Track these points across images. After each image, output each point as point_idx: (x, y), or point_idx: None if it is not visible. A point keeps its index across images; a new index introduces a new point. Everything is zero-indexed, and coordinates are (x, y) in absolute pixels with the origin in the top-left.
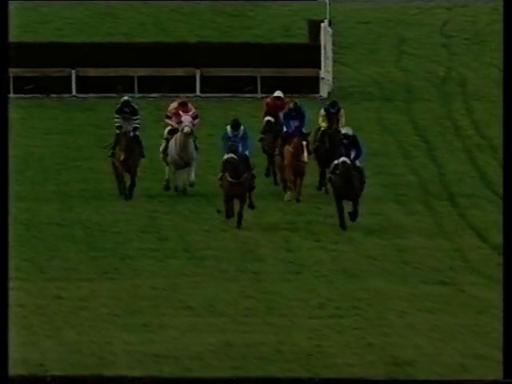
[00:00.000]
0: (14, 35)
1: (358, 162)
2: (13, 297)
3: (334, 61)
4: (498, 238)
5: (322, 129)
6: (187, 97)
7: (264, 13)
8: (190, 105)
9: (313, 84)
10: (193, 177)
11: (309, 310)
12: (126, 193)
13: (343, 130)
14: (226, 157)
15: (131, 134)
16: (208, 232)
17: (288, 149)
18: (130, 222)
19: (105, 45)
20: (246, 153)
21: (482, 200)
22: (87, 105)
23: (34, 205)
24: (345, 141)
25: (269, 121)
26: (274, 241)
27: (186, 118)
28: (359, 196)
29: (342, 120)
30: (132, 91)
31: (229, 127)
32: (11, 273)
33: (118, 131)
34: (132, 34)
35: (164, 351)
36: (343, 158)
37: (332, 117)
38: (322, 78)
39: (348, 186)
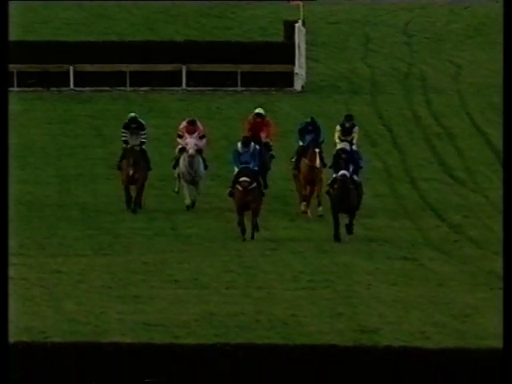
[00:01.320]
0: (16, 35)
1: (355, 177)
2: (16, 271)
3: (307, 57)
4: (455, 218)
5: (338, 146)
6: (174, 90)
7: (243, 14)
8: (198, 123)
9: (287, 78)
10: (198, 193)
11: (284, 282)
12: (132, 206)
13: (339, 146)
14: (238, 169)
15: (138, 147)
16: (193, 212)
17: (304, 161)
18: (122, 204)
19: (100, 43)
20: (256, 169)
21: (440, 183)
22: (84, 97)
23: (35, 188)
24: (343, 155)
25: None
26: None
27: (190, 141)
28: (356, 210)
29: (356, 136)
30: (124, 85)
31: (239, 144)
32: (15, 249)
33: (124, 145)
34: (124, 33)
35: (153, 320)
36: (342, 172)
37: (347, 132)
38: (296, 73)
39: (345, 200)
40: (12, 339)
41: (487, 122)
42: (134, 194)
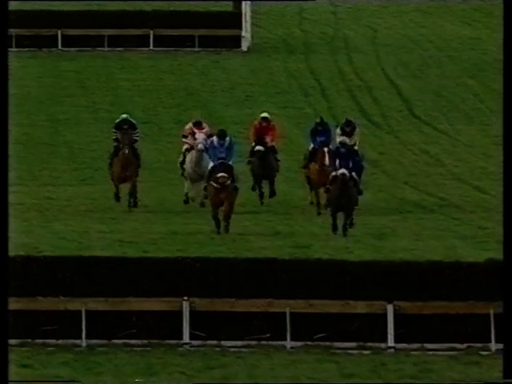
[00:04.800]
0: (16, 4)
1: (354, 174)
2: (15, 197)
3: (252, 24)
4: (372, 155)
5: (338, 139)
6: (143, 50)
7: None
8: (204, 124)
9: (236, 41)
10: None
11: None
12: (130, 204)
13: (338, 139)
14: (212, 164)
15: (127, 147)
16: (159, 150)
17: (314, 166)
18: (101, 143)
19: (83, 11)
20: (230, 163)
21: (360, 127)
22: (70, 56)
23: (30, 130)
24: (342, 150)
25: (258, 150)
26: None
27: (200, 136)
28: (354, 208)
29: (357, 137)
30: (103, 46)
31: (215, 137)
32: (14, 180)
33: (115, 143)
34: (103, 4)
35: (127, 238)
36: (342, 171)
37: (347, 136)
38: (243, 37)
39: (344, 198)
40: (11, 253)
41: (398, 76)
42: (125, 190)
